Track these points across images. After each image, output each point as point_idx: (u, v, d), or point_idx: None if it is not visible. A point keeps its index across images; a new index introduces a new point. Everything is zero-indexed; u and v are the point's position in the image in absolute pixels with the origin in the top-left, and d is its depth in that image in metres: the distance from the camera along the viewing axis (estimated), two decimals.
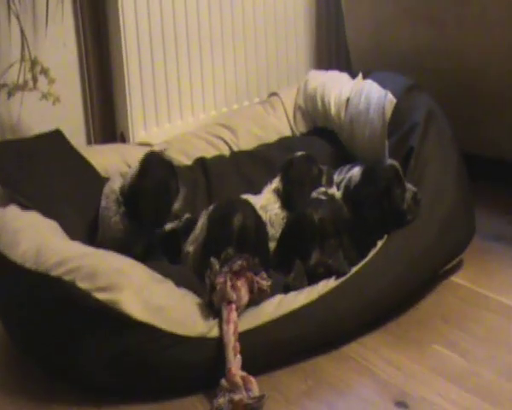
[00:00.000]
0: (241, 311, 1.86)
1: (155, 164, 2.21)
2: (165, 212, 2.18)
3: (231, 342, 1.77)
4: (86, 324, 1.82)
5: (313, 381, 1.84)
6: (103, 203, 2.22)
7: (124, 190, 2.19)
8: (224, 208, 2.13)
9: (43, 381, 1.89)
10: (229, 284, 1.84)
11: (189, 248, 2.17)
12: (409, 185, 2.19)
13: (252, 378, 1.73)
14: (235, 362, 1.75)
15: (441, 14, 2.73)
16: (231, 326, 1.80)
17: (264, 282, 1.92)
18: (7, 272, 1.95)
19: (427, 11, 2.78)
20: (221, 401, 1.70)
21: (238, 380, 1.71)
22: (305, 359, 1.90)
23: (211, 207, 2.19)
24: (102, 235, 2.22)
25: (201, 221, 2.19)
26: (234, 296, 1.84)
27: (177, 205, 2.19)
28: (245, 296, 1.87)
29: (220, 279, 1.85)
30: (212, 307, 1.86)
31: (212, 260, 1.90)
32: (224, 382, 1.73)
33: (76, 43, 2.79)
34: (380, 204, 2.16)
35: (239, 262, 1.87)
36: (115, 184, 2.23)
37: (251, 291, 1.89)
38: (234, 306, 1.83)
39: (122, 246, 2.10)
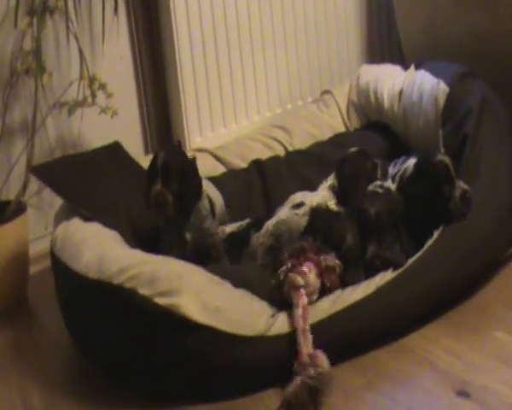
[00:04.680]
0: (316, 297, 1.88)
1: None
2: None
3: (300, 325, 1.79)
4: (148, 329, 1.85)
5: (373, 374, 1.83)
6: None
7: None
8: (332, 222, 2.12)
9: (107, 388, 1.93)
10: (292, 270, 1.87)
11: (259, 241, 2.20)
12: (459, 183, 2.14)
13: (319, 353, 1.73)
14: (305, 342, 1.76)
15: None
16: (299, 310, 1.81)
17: (332, 260, 1.93)
18: (71, 283, 2.02)
19: None
20: (291, 388, 1.71)
21: (306, 359, 1.73)
22: (365, 352, 1.89)
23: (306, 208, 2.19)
24: None
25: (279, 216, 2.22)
26: (301, 280, 1.86)
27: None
28: (315, 282, 1.89)
29: (283, 268, 1.88)
30: (285, 302, 1.87)
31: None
32: (296, 365, 1.74)
33: (131, 57, 2.87)
34: (428, 201, 2.13)
35: (297, 245, 1.90)
36: None
37: (321, 274, 1.90)
38: (302, 290, 1.85)
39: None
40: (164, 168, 2.15)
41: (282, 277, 1.87)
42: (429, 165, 2.17)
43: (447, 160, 2.17)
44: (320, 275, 1.91)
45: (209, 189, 2.37)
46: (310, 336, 1.77)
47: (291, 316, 1.84)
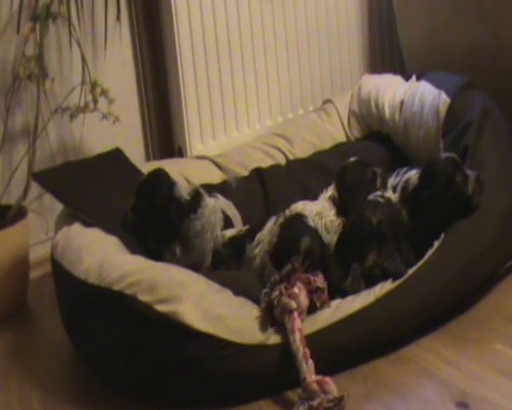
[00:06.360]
0: (304, 316, 1.87)
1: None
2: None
3: (300, 351, 1.78)
4: (148, 336, 1.86)
5: (373, 384, 1.83)
6: None
7: None
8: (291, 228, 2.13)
9: (106, 393, 1.93)
10: (285, 294, 1.85)
11: (255, 252, 2.19)
12: (469, 171, 2.16)
13: (328, 379, 1.72)
14: (307, 369, 1.75)
15: (495, 11, 2.71)
16: (297, 335, 1.80)
17: (321, 281, 1.92)
18: (71, 288, 2.02)
19: (481, 9, 2.76)
20: (301, 408, 1.70)
21: (314, 387, 1.71)
22: (364, 362, 1.89)
23: (280, 219, 2.18)
24: None
25: (268, 229, 2.21)
26: (294, 304, 1.84)
27: None
28: (305, 300, 1.88)
29: (275, 293, 1.87)
30: (276, 322, 1.87)
31: (273, 275, 1.94)
32: (300, 391, 1.73)
33: (133, 63, 2.88)
34: (443, 201, 2.13)
35: (288, 267, 1.89)
36: None
37: (309, 293, 1.89)
38: (296, 313, 1.84)
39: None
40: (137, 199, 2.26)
41: (275, 302, 1.86)
42: (437, 165, 2.18)
43: (453, 155, 2.19)
44: (309, 294, 1.90)
45: (227, 208, 2.42)
46: (311, 362, 1.76)
47: (286, 337, 1.83)
